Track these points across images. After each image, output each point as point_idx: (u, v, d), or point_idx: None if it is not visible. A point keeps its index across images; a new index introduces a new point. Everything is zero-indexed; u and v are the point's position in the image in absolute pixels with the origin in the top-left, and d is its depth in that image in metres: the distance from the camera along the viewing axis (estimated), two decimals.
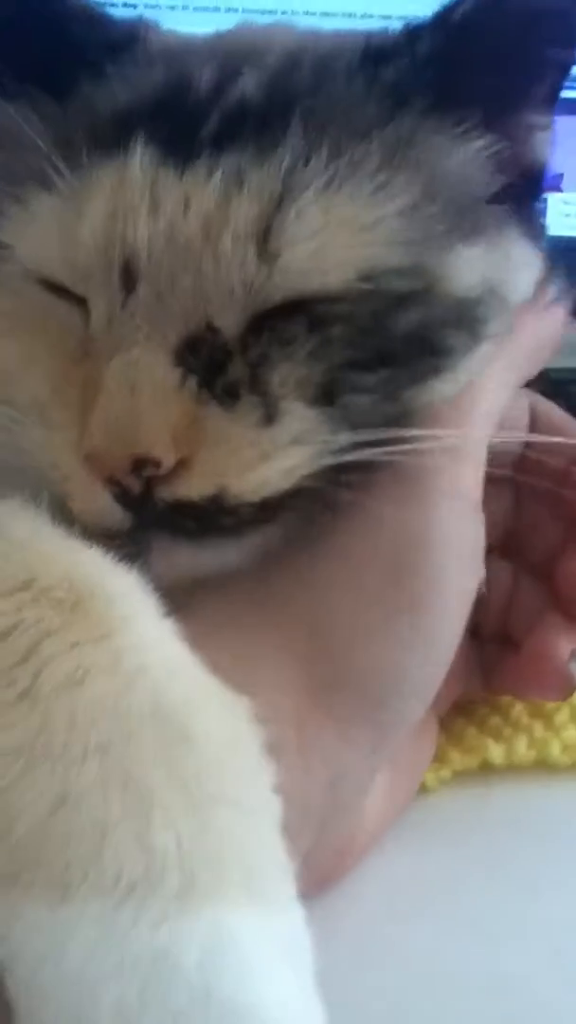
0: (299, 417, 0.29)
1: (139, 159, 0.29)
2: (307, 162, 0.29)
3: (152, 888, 0.21)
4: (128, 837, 0.21)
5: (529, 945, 0.36)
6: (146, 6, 0.66)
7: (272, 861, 0.23)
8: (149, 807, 0.21)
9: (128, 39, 0.33)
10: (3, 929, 0.21)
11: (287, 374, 0.30)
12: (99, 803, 0.21)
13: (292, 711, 0.29)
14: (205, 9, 0.65)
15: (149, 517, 0.29)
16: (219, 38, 0.36)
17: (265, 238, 0.29)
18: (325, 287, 0.29)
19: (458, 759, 0.42)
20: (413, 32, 0.32)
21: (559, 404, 0.39)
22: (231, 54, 0.33)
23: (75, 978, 0.20)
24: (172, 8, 0.64)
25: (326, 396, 0.30)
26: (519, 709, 0.44)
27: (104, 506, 0.29)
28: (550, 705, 0.43)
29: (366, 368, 0.30)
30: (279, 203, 0.29)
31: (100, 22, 0.34)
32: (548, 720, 0.43)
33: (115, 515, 0.29)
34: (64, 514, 0.28)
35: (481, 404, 0.33)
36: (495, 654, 0.40)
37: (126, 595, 0.25)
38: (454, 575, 0.31)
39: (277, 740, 0.26)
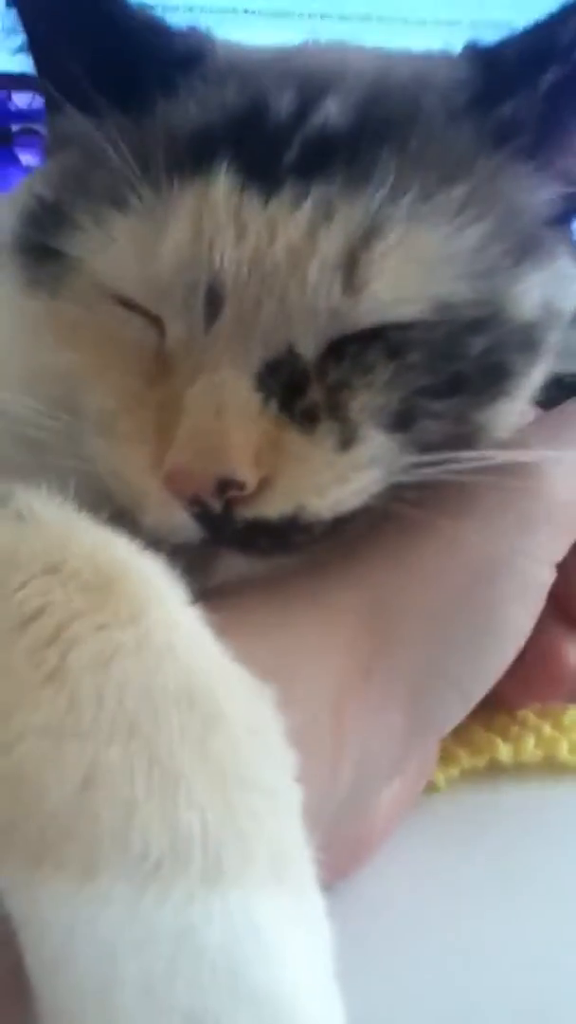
0: (375, 442, 0.30)
1: (223, 182, 0.30)
2: (396, 198, 0.30)
3: (178, 867, 0.21)
4: (155, 816, 0.21)
5: (537, 945, 0.36)
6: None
7: (295, 846, 0.23)
8: (175, 786, 0.21)
9: (197, 52, 0.33)
10: (28, 908, 0.21)
11: (366, 401, 0.30)
12: (126, 782, 0.21)
13: (332, 698, 0.29)
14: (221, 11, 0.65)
15: (226, 534, 0.29)
16: (290, 56, 0.35)
17: (351, 269, 0.29)
18: (402, 316, 0.30)
19: (466, 758, 0.42)
20: (534, 62, 0.32)
21: None
22: (309, 76, 0.32)
23: (101, 952, 0.20)
24: (190, 9, 0.64)
25: (402, 423, 0.31)
26: (526, 709, 0.44)
27: (180, 522, 0.29)
28: (558, 705, 0.43)
29: (439, 395, 0.31)
30: (367, 238, 0.29)
31: (166, 34, 0.34)
32: (556, 720, 0.43)
33: (190, 531, 0.30)
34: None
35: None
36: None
37: (153, 579, 0.25)
38: (517, 608, 0.33)
39: (311, 723, 0.26)
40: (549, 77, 0.31)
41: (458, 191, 0.31)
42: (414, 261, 0.30)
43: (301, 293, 0.29)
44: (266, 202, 0.29)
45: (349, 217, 0.29)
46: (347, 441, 0.30)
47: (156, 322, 0.31)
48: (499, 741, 0.42)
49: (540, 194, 0.33)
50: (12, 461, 0.33)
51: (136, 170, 0.30)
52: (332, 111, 0.31)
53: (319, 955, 0.22)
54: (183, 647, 0.23)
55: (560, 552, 0.33)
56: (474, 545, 0.32)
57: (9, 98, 0.68)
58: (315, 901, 0.23)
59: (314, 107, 0.31)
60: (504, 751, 0.42)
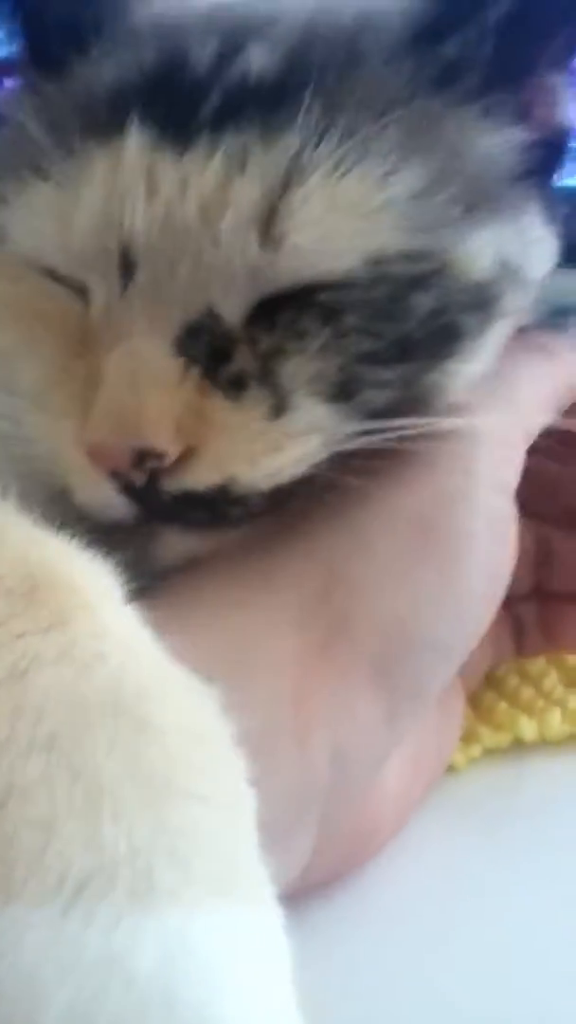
0: (312, 410, 0.29)
1: (134, 141, 0.28)
2: (318, 144, 0.28)
3: (103, 889, 0.19)
4: (76, 834, 0.19)
5: (565, 933, 0.34)
6: None
7: (244, 860, 0.21)
8: (99, 802, 0.20)
9: (111, 9, 0.32)
10: None
11: (299, 367, 0.29)
12: (45, 799, 0.19)
13: (291, 689, 0.28)
14: None
15: (155, 508, 0.28)
16: (220, 5, 0.34)
17: (269, 222, 0.28)
18: (332, 272, 0.28)
19: (488, 736, 0.40)
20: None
21: None
22: (236, 25, 0.31)
23: (26, 980, 0.18)
24: None
25: (344, 392, 0.29)
26: (552, 680, 0.41)
27: (108, 498, 0.28)
28: None
29: (384, 362, 0.29)
30: (285, 186, 0.28)
31: None
32: None
33: (120, 507, 0.28)
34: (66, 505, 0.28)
35: (507, 392, 0.32)
36: (531, 614, 0.40)
37: (88, 583, 0.23)
38: (484, 540, 0.30)
39: (270, 725, 0.25)
40: (497, 11, 0.29)
41: (391, 133, 0.28)
42: (340, 209, 0.28)
43: (215, 250, 0.28)
44: (180, 157, 0.28)
45: (264, 165, 0.28)
46: (278, 408, 0.28)
47: (81, 291, 0.29)
48: (523, 717, 0.40)
49: (494, 140, 0.31)
50: None
51: (51, 137, 0.29)
52: (256, 59, 0.29)
53: (272, 976, 0.20)
54: (113, 654, 0.22)
55: (509, 481, 0.32)
56: (422, 488, 0.30)
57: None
58: (268, 919, 0.21)
59: (235, 56, 0.29)
60: (528, 728, 0.39)
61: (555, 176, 0.33)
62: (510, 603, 0.37)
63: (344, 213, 0.28)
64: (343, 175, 0.28)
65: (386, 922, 0.34)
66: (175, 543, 0.29)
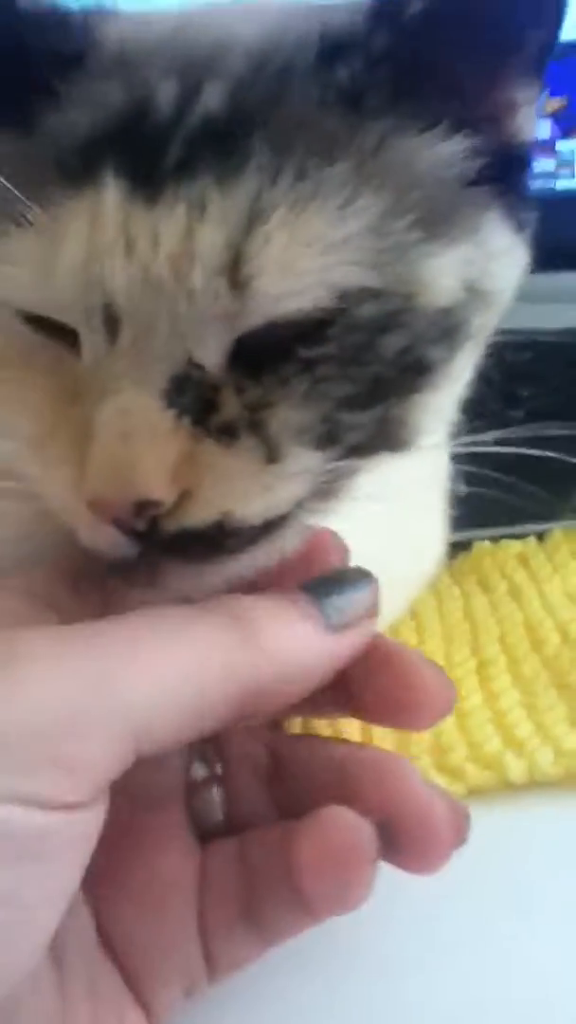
0: (300, 457, 0.30)
1: (110, 195, 0.28)
2: (273, 183, 0.28)
3: None
4: None
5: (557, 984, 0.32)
6: None
7: None
8: None
9: (80, 47, 0.32)
10: None
11: (286, 418, 0.30)
12: None
13: None
14: None
15: (156, 546, 0.29)
16: (177, 32, 0.33)
17: (235, 267, 0.28)
18: (300, 309, 0.29)
19: (474, 774, 0.38)
20: (367, 23, 0.30)
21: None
22: (192, 59, 0.31)
23: None
24: None
25: (328, 440, 0.30)
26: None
27: (111, 540, 0.29)
28: None
29: (360, 406, 0.30)
30: (246, 230, 0.28)
31: (51, 28, 0.32)
32: None
33: (124, 546, 0.29)
34: None
35: None
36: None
37: None
38: None
39: None
40: (381, 38, 0.29)
41: (339, 167, 0.28)
42: (301, 246, 0.28)
43: (189, 302, 0.28)
44: (152, 209, 0.28)
45: (225, 210, 0.28)
46: (271, 457, 0.29)
47: (71, 335, 0.30)
48: (510, 756, 0.38)
49: (445, 163, 0.31)
50: None
51: (27, 188, 0.29)
52: (211, 98, 0.29)
53: None
54: None
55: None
56: None
57: None
58: None
59: (194, 97, 0.29)
60: (516, 769, 0.37)
61: (521, 185, 0.33)
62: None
63: (305, 249, 0.28)
64: (300, 213, 0.28)
65: (360, 985, 0.33)
66: (179, 574, 0.30)
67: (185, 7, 0.35)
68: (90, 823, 0.25)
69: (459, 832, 0.29)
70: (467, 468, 0.36)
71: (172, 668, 0.26)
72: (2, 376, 0.32)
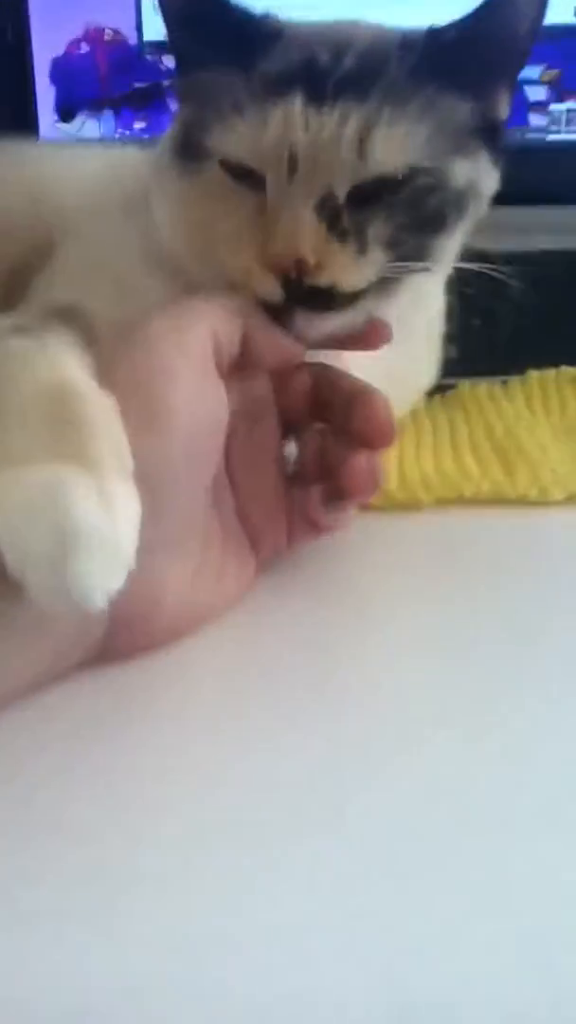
0: (377, 253, 0.49)
1: (297, 101, 0.48)
2: (379, 108, 0.48)
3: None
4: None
5: (524, 694, 0.42)
6: None
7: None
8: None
9: (276, 31, 0.52)
10: None
11: (372, 231, 0.48)
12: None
13: None
14: None
15: (296, 294, 0.47)
16: (323, 30, 0.53)
17: (360, 145, 0.48)
18: (393, 173, 0.49)
19: (438, 487, 0.58)
20: (425, 37, 0.51)
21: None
22: (336, 42, 0.51)
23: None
24: None
25: (392, 245, 0.49)
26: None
27: (273, 288, 0.47)
28: None
29: (410, 231, 0.50)
30: (368, 128, 0.48)
31: (264, 20, 0.52)
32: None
33: (276, 293, 0.48)
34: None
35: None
36: (319, 493, 0.51)
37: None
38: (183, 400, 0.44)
39: None
40: (448, 36, 0.51)
41: (412, 105, 0.51)
42: (394, 139, 0.49)
43: (335, 159, 0.48)
44: (319, 111, 0.48)
45: (358, 119, 0.48)
46: (362, 251, 0.48)
47: (259, 184, 0.48)
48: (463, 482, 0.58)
49: (464, 115, 0.52)
50: (148, 287, 0.55)
51: (246, 92, 0.49)
52: (348, 61, 0.50)
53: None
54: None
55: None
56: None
57: (160, 60, 0.88)
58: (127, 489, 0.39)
59: (339, 60, 0.50)
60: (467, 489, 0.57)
61: (499, 140, 0.55)
62: (303, 489, 0.51)
63: (396, 142, 0.48)
64: (394, 124, 0.48)
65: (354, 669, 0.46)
66: (305, 318, 0.48)
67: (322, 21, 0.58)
68: (224, 404, 0.45)
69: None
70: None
71: (221, 310, 0.46)
72: (213, 211, 0.51)
